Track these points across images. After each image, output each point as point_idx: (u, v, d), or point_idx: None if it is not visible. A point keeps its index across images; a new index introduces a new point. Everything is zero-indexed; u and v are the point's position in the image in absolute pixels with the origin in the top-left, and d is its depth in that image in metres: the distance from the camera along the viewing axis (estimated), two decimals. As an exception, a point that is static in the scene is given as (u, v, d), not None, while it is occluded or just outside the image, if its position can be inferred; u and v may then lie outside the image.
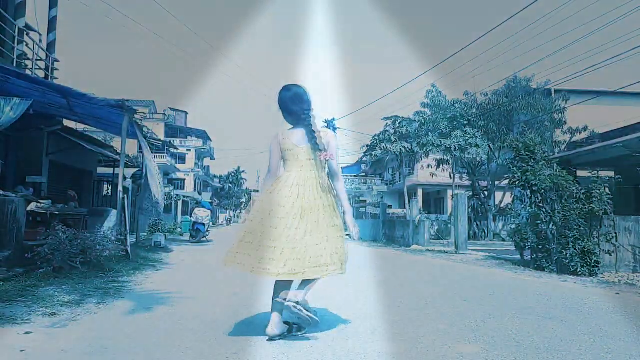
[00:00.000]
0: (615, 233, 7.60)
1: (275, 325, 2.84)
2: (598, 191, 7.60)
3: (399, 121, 25.04)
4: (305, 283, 2.90)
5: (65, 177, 11.65)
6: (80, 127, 14.17)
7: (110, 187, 16.13)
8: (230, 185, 71.86)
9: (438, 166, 23.05)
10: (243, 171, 76.58)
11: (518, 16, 11.94)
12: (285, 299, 2.81)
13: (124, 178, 8.56)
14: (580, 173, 11.20)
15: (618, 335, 3.18)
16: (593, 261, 7.25)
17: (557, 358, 2.60)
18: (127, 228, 7.86)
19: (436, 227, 20.38)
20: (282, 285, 2.90)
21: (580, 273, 7.16)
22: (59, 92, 7.29)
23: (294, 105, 3.07)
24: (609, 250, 7.55)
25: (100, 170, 14.86)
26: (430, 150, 21.45)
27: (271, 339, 2.82)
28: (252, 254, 2.83)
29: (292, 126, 3.12)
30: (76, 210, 8.77)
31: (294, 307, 2.76)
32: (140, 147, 9.57)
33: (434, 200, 36.31)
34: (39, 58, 10.20)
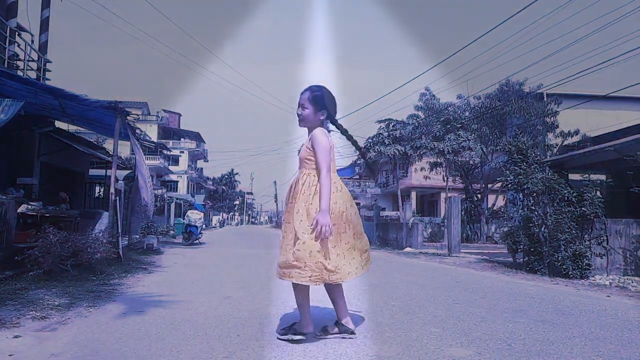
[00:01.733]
0: (607, 236, 7.66)
1: (309, 323, 2.92)
2: (590, 194, 7.67)
3: (392, 124, 25.11)
4: (338, 300, 3.02)
5: (57, 178, 11.57)
6: (72, 128, 14.08)
7: (102, 189, 16.03)
8: (223, 187, 71.69)
9: (431, 169, 23.14)
10: (237, 173, 76.48)
11: (510, 21, 12.03)
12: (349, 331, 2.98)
13: (116, 180, 8.50)
14: (572, 176, 11.28)
15: (609, 338, 3.19)
16: (584, 264, 7.30)
17: (548, 361, 2.61)
18: (119, 230, 7.81)
19: (429, 230, 20.45)
20: (305, 289, 2.92)
21: (572, 276, 7.20)
22: (51, 93, 7.24)
23: (336, 105, 3.07)
24: (600, 253, 7.61)
25: (93, 171, 14.78)
26: (423, 153, 21.54)
27: (299, 339, 2.87)
28: (349, 262, 2.91)
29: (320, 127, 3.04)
30: (67, 212, 8.71)
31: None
32: (132, 149, 9.51)
33: (427, 202, 36.42)
34: (30, 59, 10.13)
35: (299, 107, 3.01)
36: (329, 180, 2.82)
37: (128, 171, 15.14)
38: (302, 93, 3.02)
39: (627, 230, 7.76)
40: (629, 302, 5.10)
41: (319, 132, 2.94)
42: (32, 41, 10.33)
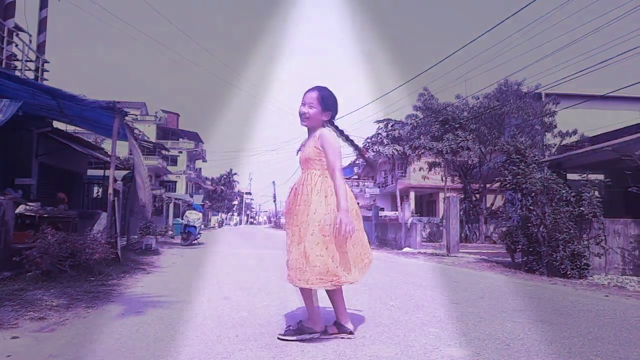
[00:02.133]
0: (605, 236, 7.68)
1: (320, 321, 2.95)
2: (588, 194, 7.68)
3: (391, 124, 25.15)
4: (338, 301, 3.04)
5: (55, 179, 11.54)
6: (70, 128, 14.05)
7: (100, 190, 16.01)
8: (222, 187, 71.63)
9: (430, 169, 23.13)
10: (235, 173, 76.44)
11: (509, 21, 12.04)
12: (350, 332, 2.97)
13: (115, 180, 8.48)
14: (570, 176, 11.30)
15: (607, 338, 3.20)
16: (583, 264, 7.32)
17: (547, 361, 2.61)
18: (118, 231, 7.80)
19: (428, 230, 20.43)
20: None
21: (570, 275, 7.21)
22: (49, 93, 7.23)
23: (338, 107, 3.13)
24: (598, 253, 7.62)
25: (91, 172, 14.75)
26: (422, 153, 21.55)
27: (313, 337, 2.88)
28: (362, 260, 3.00)
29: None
30: (66, 213, 8.68)
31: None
32: (131, 149, 9.48)
33: (426, 202, 36.42)
34: (28, 59, 10.12)
35: (304, 105, 2.99)
36: (344, 179, 2.86)
37: (127, 171, 15.10)
38: (308, 92, 3.01)
39: (625, 230, 7.77)
40: (627, 302, 5.11)
41: (328, 132, 2.96)
42: (30, 41, 10.31)
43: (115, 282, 5.44)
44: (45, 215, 7.63)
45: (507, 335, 3.18)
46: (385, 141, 24.81)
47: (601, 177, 10.76)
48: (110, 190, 7.71)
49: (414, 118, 22.83)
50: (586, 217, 7.57)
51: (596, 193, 7.94)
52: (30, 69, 10.26)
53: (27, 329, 3.14)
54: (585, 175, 8.11)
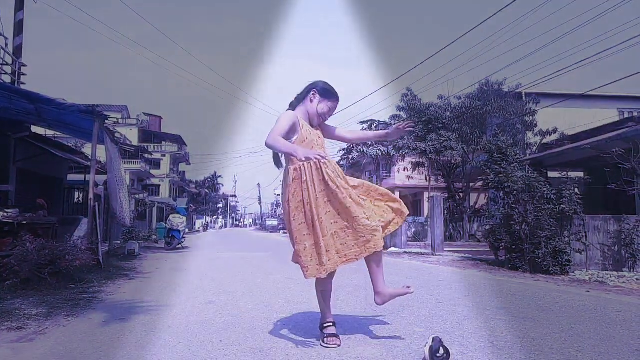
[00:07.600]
0: (585, 232, 7.81)
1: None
2: (568, 192, 7.80)
3: (375, 125, 25.25)
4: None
5: (34, 185, 11.32)
6: (49, 133, 13.80)
7: (81, 195, 15.75)
8: (206, 190, 71.11)
9: (414, 169, 23.31)
10: (220, 176, 75.98)
11: (490, 21, 12.20)
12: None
13: (96, 185, 8.35)
14: (551, 174, 11.49)
15: (588, 333, 3.24)
16: (564, 260, 7.43)
17: (529, 358, 2.64)
18: (99, 236, 7.68)
19: (413, 229, 20.57)
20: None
21: (552, 272, 7.32)
22: (27, 97, 7.09)
23: None
24: (579, 249, 7.75)
25: (71, 177, 14.51)
26: (406, 153, 21.70)
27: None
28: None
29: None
30: (45, 219, 8.50)
31: None
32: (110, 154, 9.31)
33: (411, 202, 36.67)
34: (5, 63, 9.91)
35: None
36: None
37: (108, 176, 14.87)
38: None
39: (605, 226, 7.92)
40: (608, 297, 5.20)
41: None
42: (6, 44, 10.09)
43: (97, 289, 5.35)
44: (24, 222, 7.46)
45: (491, 333, 3.21)
46: (369, 142, 24.88)
47: (581, 174, 10.96)
48: (91, 195, 7.59)
49: (397, 118, 22.98)
50: (567, 214, 7.70)
51: (576, 190, 8.07)
52: (6, 73, 10.03)
53: (5, 339, 3.06)
54: (565, 172, 8.25)
